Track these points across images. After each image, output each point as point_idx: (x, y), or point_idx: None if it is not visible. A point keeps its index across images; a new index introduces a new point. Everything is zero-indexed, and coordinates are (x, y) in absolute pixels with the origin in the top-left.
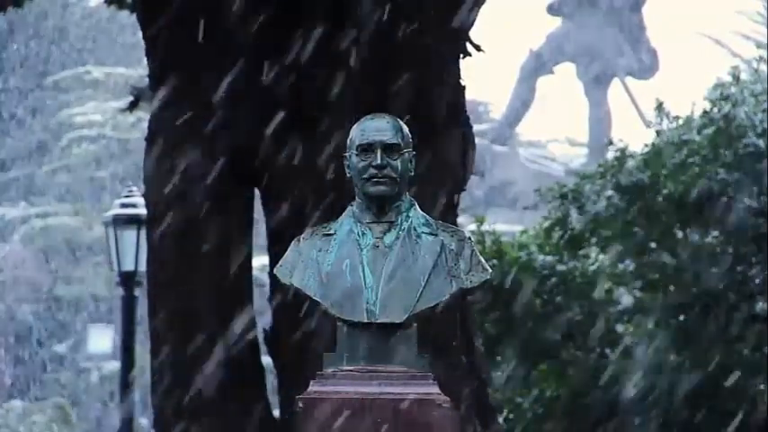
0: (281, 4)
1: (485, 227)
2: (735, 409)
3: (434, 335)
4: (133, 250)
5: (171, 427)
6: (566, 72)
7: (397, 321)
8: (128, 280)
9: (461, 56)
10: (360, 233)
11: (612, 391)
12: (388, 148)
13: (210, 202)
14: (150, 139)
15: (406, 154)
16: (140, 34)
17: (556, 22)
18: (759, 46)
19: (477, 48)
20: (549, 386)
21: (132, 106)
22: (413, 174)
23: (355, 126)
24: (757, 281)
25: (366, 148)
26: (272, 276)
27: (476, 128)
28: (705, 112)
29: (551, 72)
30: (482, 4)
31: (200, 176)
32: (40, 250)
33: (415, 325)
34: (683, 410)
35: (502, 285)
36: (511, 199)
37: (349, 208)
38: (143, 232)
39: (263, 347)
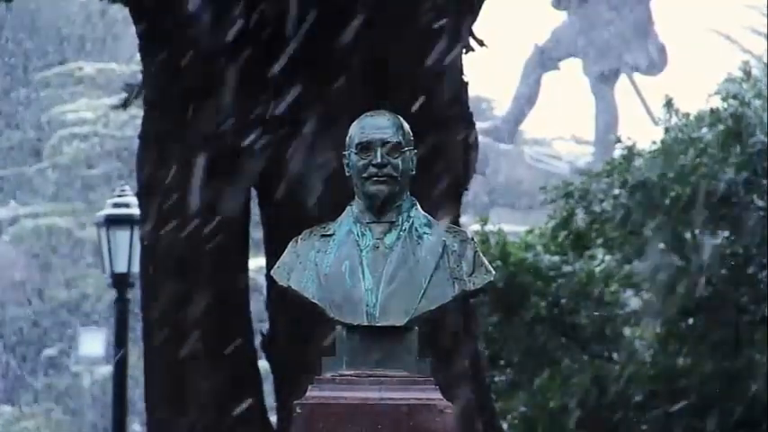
0: None
1: (488, 227)
2: (745, 414)
3: (436, 338)
4: (126, 251)
5: None
6: (571, 68)
7: (398, 324)
8: (120, 282)
9: (464, 51)
10: (359, 234)
11: (619, 397)
12: (389, 147)
13: (206, 201)
14: (144, 137)
15: (407, 152)
16: (133, 29)
17: (561, 17)
18: None
19: (481, 43)
20: (553, 396)
21: (125, 103)
22: (414, 172)
23: (355, 123)
24: None
25: (366, 147)
26: (270, 278)
27: (479, 125)
28: (712, 111)
29: (557, 68)
30: None
31: (195, 175)
32: (30, 251)
33: (416, 328)
34: (691, 415)
35: (506, 287)
36: (515, 198)
37: (348, 208)
38: (136, 233)
39: (259, 351)
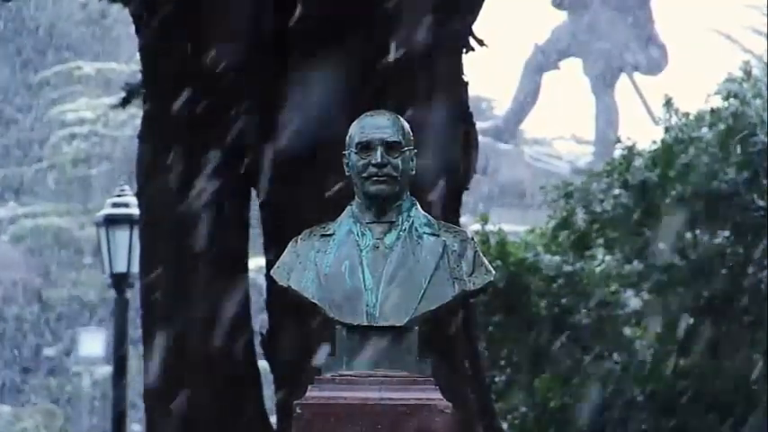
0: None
1: (489, 226)
2: (745, 414)
3: (436, 338)
4: (125, 251)
5: None
6: (571, 68)
7: (398, 324)
8: (120, 282)
9: (464, 51)
10: (359, 234)
11: (619, 397)
12: (389, 146)
13: (205, 201)
14: (143, 137)
15: (407, 152)
16: (133, 28)
17: (561, 17)
18: None
19: (481, 42)
20: (553, 396)
21: (125, 102)
22: (414, 172)
23: (354, 123)
24: None
25: (366, 146)
26: (269, 278)
27: (479, 125)
28: (713, 111)
29: (557, 68)
30: None
31: (194, 175)
32: (29, 251)
33: (416, 328)
34: (692, 416)
35: (506, 287)
36: (515, 198)
37: (348, 208)
38: (136, 232)
39: (259, 351)
